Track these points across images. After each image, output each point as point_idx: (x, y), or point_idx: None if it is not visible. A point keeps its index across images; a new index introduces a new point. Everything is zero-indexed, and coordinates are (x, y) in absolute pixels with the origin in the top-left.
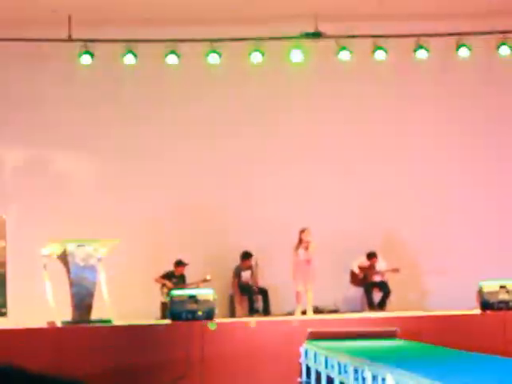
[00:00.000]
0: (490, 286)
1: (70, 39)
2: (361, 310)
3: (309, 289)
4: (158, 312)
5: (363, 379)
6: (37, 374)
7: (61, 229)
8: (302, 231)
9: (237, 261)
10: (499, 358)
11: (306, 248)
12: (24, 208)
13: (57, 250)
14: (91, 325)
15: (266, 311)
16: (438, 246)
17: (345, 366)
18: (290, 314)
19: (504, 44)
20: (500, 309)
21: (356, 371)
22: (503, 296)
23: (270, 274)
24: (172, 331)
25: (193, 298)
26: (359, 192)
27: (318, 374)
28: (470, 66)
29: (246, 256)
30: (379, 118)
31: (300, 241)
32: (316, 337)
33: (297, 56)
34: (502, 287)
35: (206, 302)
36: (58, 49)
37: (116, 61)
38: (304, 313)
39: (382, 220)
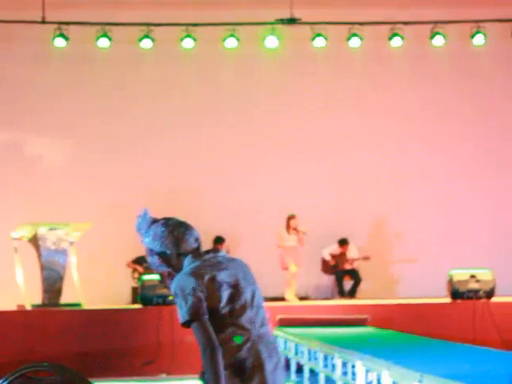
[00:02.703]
0: (460, 275)
1: (43, 21)
2: (331, 298)
3: (295, 275)
4: (128, 297)
5: (333, 366)
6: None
7: (32, 213)
8: (292, 217)
9: (209, 246)
10: (468, 346)
11: (297, 234)
12: None
13: (28, 233)
14: (61, 308)
15: None
16: (409, 235)
17: (315, 353)
18: None
19: (478, 32)
20: (470, 298)
21: (326, 358)
22: (473, 285)
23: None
24: (142, 315)
25: (163, 282)
26: (333, 180)
27: (288, 361)
28: (444, 54)
29: (219, 241)
30: (354, 106)
31: (288, 227)
32: (286, 323)
33: (272, 42)
34: (472, 276)
35: None
36: (31, 31)
37: (90, 44)
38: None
39: (354, 208)
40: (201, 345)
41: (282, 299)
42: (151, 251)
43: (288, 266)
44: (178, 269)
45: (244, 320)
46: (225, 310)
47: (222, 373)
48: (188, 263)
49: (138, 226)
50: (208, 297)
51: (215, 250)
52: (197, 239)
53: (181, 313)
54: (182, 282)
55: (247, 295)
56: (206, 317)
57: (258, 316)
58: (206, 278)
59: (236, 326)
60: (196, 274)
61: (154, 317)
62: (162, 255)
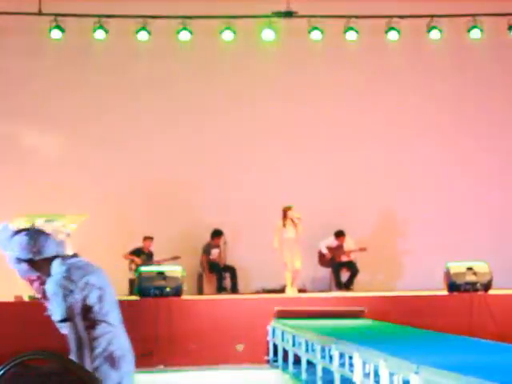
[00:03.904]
0: (457, 267)
1: (39, 13)
2: (328, 290)
3: (297, 267)
4: (125, 288)
5: (330, 357)
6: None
7: (28, 204)
8: (289, 208)
9: (206, 238)
10: (465, 338)
11: (295, 225)
12: None
13: (24, 224)
14: None
15: (234, 289)
16: (407, 227)
17: (312, 345)
18: (258, 292)
19: (475, 27)
20: (466, 290)
21: (323, 349)
22: (470, 277)
23: (238, 253)
24: (140, 307)
25: (161, 274)
26: (331, 173)
27: (285, 352)
28: (440, 48)
29: (217, 234)
30: (351, 98)
31: (285, 218)
32: (283, 315)
33: (268, 35)
34: (468, 269)
35: (174, 278)
36: (27, 23)
37: (86, 36)
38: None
39: (352, 201)
40: (74, 341)
41: (281, 291)
42: (18, 259)
43: (286, 262)
44: (46, 272)
45: (111, 317)
46: (96, 309)
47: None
48: (58, 266)
49: None
50: (83, 298)
51: (76, 255)
52: (58, 244)
53: (58, 311)
54: (60, 283)
55: (110, 296)
56: (80, 317)
57: (119, 314)
58: (82, 281)
59: (106, 322)
60: (72, 277)
61: (152, 308)
62: (29, 262)
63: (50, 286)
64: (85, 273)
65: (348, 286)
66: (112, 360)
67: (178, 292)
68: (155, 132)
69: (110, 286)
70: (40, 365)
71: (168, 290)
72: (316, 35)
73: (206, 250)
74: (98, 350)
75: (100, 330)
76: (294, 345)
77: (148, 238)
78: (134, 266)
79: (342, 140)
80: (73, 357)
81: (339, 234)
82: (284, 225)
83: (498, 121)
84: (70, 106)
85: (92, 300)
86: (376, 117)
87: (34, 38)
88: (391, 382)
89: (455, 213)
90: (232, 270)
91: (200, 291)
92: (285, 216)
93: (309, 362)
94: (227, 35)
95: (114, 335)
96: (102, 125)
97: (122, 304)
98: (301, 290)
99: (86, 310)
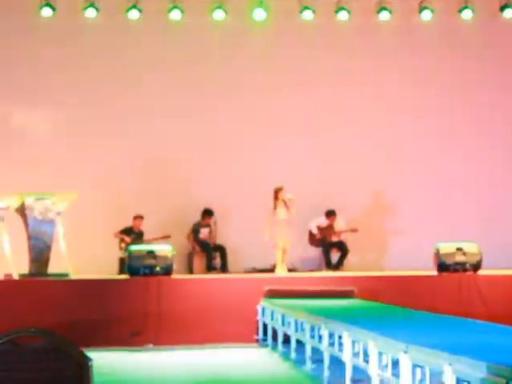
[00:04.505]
0: (446, 247)
1: None
2: (318, 270)
3: (287, 249)
4: (115, 267)
5: (320, 337)
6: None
7: (19, 183)
8: (280, 189)
9: (197, 217)
10: (454, 318)
11: (287, 206)
12: None
13: (15, 202)
14: (48, 278)
15: (224, 269)
16: (397, 208)
17: (301, 324)
18: (248, 271)
19: (466, 7)
20: (456, 270)
21: (312, 329)
22: (459, 258)
23: (229, 232)
24: (129, 286)
25: (151, 253)
26: (322, 152)
27: (275, 332)
28: (432, 28)
29: (207, 213)
30: (343, 79)
31: (276, 199)
32: (273, 295)
33: (259, 14)
34: (458, 249)
35: (164, 257)
36: (17, 1)
37: (77, 14)
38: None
39: (343, 181)
40: None
41: (271, 271)
42: None
43: (277, 242)
44: None
45: None
46: None
47: None
48: None
49: None
50: None
51: None
52: None
53: None
54: None
55: None
56: None
57: None
58: None
59: None
60: None
61: (141, 287)
62: None
63: None
64: None
65: (338, 266)
66: None
67: (167, 271)
68: (146, 111)
69: None
70: (30, 342)
71: (158, 269)
72: (307, 15)
73: (195, 229)
74: None
75: None
76: (283, 324)
77: (138, 217)
78: (123, 245)
79: (333, 121)
80: None
81: (330, 214)
82: (275, 206)
83: (488, 102)
84: (60, 85)
85: None
86: (366, 97)
87: (24, 16)
88: (380, 362)
89: (445, 193)
90: (222, 250)
91: (190, 270)
92: (276, 197)
93: (298, 342)
94: (218, 14)
95: None
96: (92, 103)
97: (111, 283)
98: (291, 270)
99: None
